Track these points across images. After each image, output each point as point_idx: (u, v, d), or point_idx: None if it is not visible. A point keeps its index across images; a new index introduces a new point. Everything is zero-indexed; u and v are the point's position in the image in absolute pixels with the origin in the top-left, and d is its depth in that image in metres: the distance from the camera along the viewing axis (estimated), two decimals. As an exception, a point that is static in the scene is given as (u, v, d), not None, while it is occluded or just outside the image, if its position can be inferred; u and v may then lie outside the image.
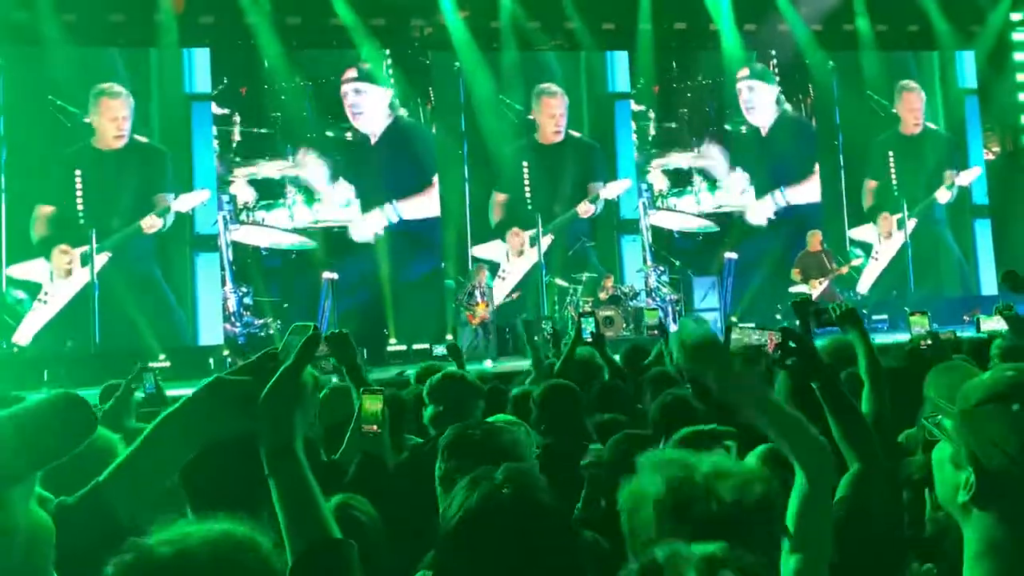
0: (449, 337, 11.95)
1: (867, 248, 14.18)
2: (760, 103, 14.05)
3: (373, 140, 12.65)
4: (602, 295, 12.05)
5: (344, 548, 1.30)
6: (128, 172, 11.52)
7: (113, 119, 11.50)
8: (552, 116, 13.37)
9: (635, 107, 13.61)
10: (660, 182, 13.76)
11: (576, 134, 13.41)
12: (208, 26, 12.09)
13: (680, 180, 13.78)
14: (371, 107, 12.68)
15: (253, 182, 12.16)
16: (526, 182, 13.19)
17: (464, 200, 13.00)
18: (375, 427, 2.75)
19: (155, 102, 11.72)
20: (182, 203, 11.66)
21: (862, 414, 2.25)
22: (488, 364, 9.87)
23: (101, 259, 11.24)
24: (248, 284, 11.75)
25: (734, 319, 11.98)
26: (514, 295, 12.58)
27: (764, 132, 13.98)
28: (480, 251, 12.98)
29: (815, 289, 11.89)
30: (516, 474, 1.63)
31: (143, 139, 11.66)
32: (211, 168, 11.96)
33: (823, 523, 1.64)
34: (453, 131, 12.97)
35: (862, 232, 14.28)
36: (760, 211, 13.93)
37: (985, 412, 1.31)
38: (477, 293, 11.58)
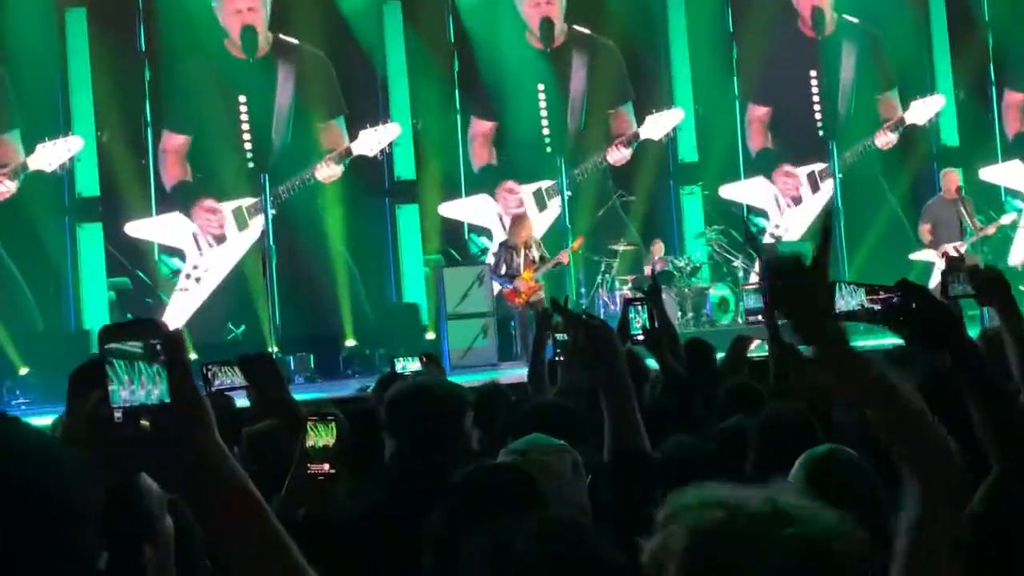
0: (430, 336, 11.89)
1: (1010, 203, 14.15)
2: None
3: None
4: (648, 270, 11.93)
5: None
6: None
7: None
8: (536, 4, 13.19)
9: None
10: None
11: (585, 31, 13.26)
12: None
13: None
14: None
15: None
16: (541, 108, 13.13)
17: (457, 142, 13.08)
18: (326, 466, 2.79)
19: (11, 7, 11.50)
20: (41, 158, 11.27)
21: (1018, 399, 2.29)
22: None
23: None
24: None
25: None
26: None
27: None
28: (450, 210, 12.92)
29: (946, 259, 11.77)
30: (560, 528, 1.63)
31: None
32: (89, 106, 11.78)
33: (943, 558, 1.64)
34: (436, 43, 12.92)
35: (1002, 174, 14.10)
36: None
37: None
38: (519, 257, 11.16)
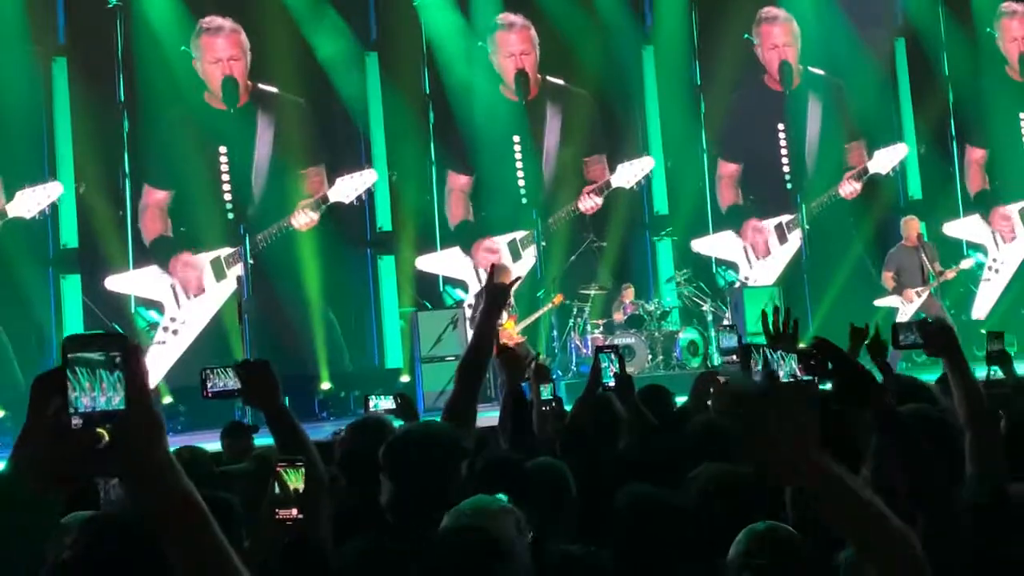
0: (405, 379, 11.78)
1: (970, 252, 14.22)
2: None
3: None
4: (618, 316, 11.89)
5: None
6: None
7: None
8: (511, 56, 13.19)
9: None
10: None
11: (559, 82, 13.27)
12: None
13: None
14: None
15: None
16: (517, 159, 13.20)
17: (432, 194, 12.97)
18: (294, 511, 2.74)
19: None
20: (20, 204, 11.16)
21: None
22: None
23: None
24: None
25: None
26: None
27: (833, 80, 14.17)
28: (426, 263, 12.83)
29: (911, 303, 11.77)
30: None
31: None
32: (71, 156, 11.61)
33: None
34: (412, 94, 12.88)
35: (964, 228, 14.18)
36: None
37: None
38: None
